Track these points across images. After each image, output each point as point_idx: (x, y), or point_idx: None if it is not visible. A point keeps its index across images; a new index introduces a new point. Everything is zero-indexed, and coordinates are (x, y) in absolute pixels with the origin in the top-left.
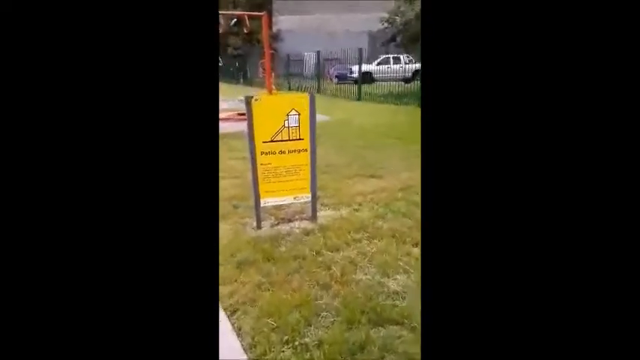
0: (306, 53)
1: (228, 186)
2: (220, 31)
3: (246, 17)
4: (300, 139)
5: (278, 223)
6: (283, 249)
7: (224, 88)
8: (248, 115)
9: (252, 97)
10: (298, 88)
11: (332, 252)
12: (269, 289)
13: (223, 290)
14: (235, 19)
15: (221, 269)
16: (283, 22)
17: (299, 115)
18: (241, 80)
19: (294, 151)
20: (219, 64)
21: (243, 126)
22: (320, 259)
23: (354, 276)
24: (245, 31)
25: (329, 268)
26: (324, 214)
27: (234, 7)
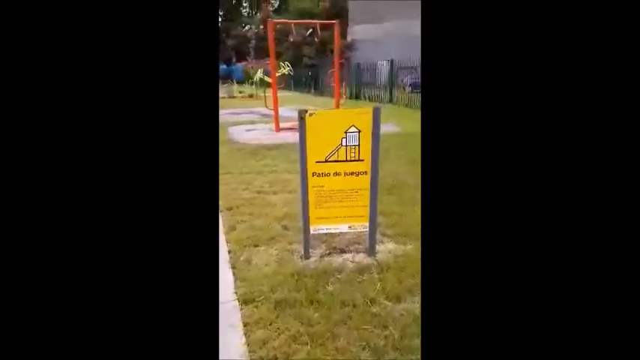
0: (379, 62)
1: (280, 202)
2: (294, 40)
3: (318, 27)
4: (359, 160)
5: (329, 253)
6: (331, 289)
7: (293, 97)
8: (300, 132)
9: (306, 110)
10: (369, 97)
11: (391, 301)
12: (307, 344)
13: (255, 336)
14: (311, 30)
15: (258, 307)
16: (358, 32)
17: (359, 132)
18: (312, 90)
19: (352, 173)
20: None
21: None
22: (375, 309)
23: (417, 341)
24: (316, 40)
25: (385, 327)
26: (384, 248)
27: (311, 18)
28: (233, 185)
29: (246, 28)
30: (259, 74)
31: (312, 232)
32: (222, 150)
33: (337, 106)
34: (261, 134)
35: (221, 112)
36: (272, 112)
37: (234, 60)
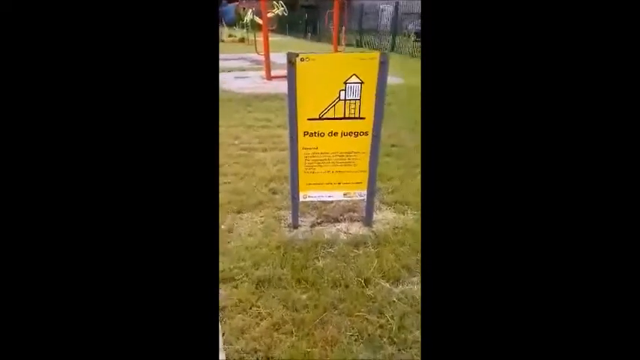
0: (382, 5)
1: (269, 161)
2: None
3: None
4: (359, 117)
5: (320, 222)
6: (321, 265)
7: (288, 42)
8: (290, 81)
9: (296, 54)
10: (369, 44)
11: (388, 282)
12: (292, 333)
13: (233, 322)
14: None
15: (237, 287)
16: None
17: (362, 84)
18: (309, 35)
19: (351, 133)
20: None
21: None
22: (370, 291)
23: (417, 333)
24: None
25: (381, 314)
26: (382, 217)
27: None
28: (220, 139)
29: None
30: (250, 15)
31: (301, 199)
32: None
33: (335, 52)
34: (251, 83)
35: None
36: (263, 59)
37: (225, 1)
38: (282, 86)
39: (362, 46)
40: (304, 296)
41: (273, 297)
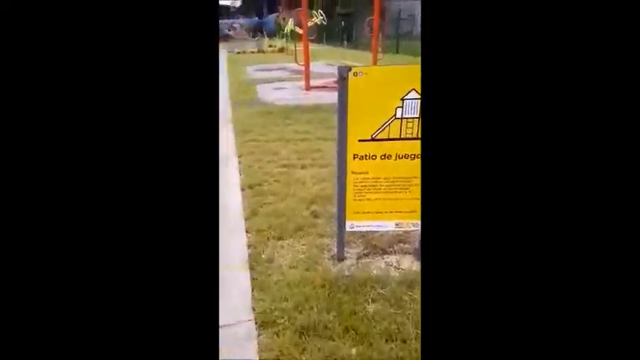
0: (418, 9)
1: (310, 180)
2: None
3: None
4: (417, 138)
5: (368, 254)
6: (371, 310)
7: (325, 50)
8: (341, 98)
9: (349, 68)
10: (407, 51)
11: None
12: None
13: None
14: None
15: (279, 334)
16: None
17: (421, 99)
18: (345, 43)
19: (407, 156)
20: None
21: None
22: None
23: None
24: None
25: None
26: None
27: None
28: (257, 155)
29: None
30: (290, 25)
31: (348, 229)
32: (247, 112)
33: (374, 62)
34: (290, 93)
35: (249, 68)
36: (303, 69)
37: (265, 11)
38: (323, 97)
39: (398, 53)
40: (354, 351)
41: (319, 350)
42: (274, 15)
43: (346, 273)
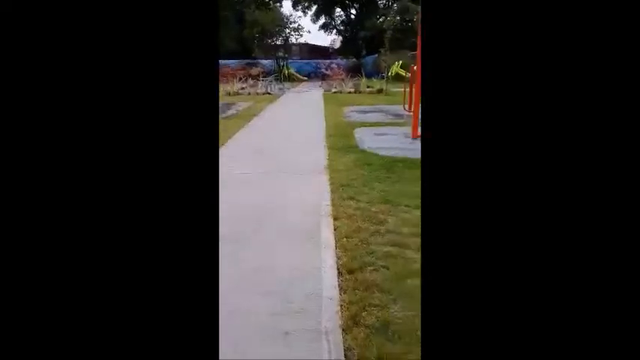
0: None
1: None
2: None
3: None
4: None
5: None
6: None
7: None
8: None
9: None
10: None
11: None
12: None
13: None
14: None
15: None
16: None
17: None
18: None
19: None
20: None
21: None
22: None
23: None
24: None
25: None
26: None
27: None
28: (357, 222)
29: (382, 19)
30: (396, 67)
31: None
32: (345, 162)
33: None
34: (394, 142)
35: (346, 109)
36: (406, 113)
37: (364, 52)
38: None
39: None
40: None
41: None
42: (374, 56)
43: None
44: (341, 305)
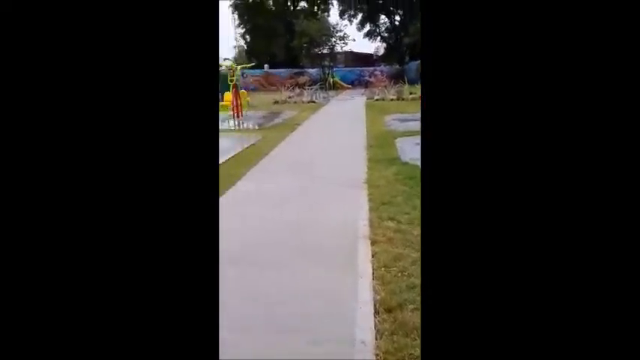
0: None
1: None
2: None
3: None
4: None
5: None
6: None
7: None
8: None
9: None
10: None
11: None
12: None
13: None
14: None
15: None
16: None
17: None
18: None
19: None
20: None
21: None
22: None
23: None
24: None
25: None
26: None
27: None
28: (397, 247)
29: None
30: None
31: None
32: (387, 175)
33: None
34: None
35: (388, 117)
36: None
37: (407, 59)
38: None
39: None
40: None
41: None
42: (417, 62)
43: None
44: (376, 355)
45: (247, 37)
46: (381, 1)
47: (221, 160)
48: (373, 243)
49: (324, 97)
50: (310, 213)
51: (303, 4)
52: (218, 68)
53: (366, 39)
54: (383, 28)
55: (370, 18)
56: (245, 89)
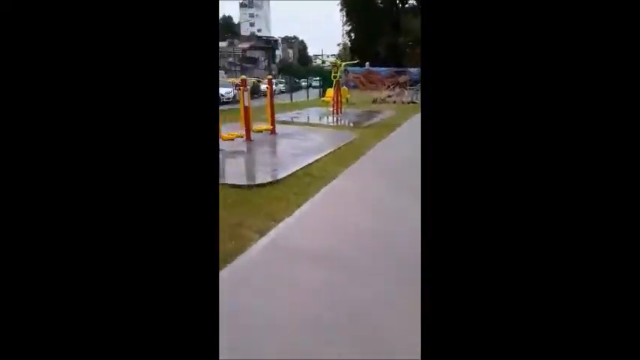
0: None
1: None
2: None
3: None
4: None
5: None
6: None
7: None
8: None
9: None
10: None
11: None
12: None
13: None
14: None
15: None
16: None
17: None
18: None
19: None
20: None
21: None
22: None
23: None
24: None
25: None
26: None
27: None
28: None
29: None
30: None
31: None
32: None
33: None
34: None
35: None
36: None
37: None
38: None
39: None
40: None
41: None
42: None
43: None
44: None
45: (352, 34)
46: None
47: (317, 157)
48: None
49: None
50: (399, 221)
51: (412, 1)
52: (218, 68)
53: None
54: None
55: None
56: (346, 86)
